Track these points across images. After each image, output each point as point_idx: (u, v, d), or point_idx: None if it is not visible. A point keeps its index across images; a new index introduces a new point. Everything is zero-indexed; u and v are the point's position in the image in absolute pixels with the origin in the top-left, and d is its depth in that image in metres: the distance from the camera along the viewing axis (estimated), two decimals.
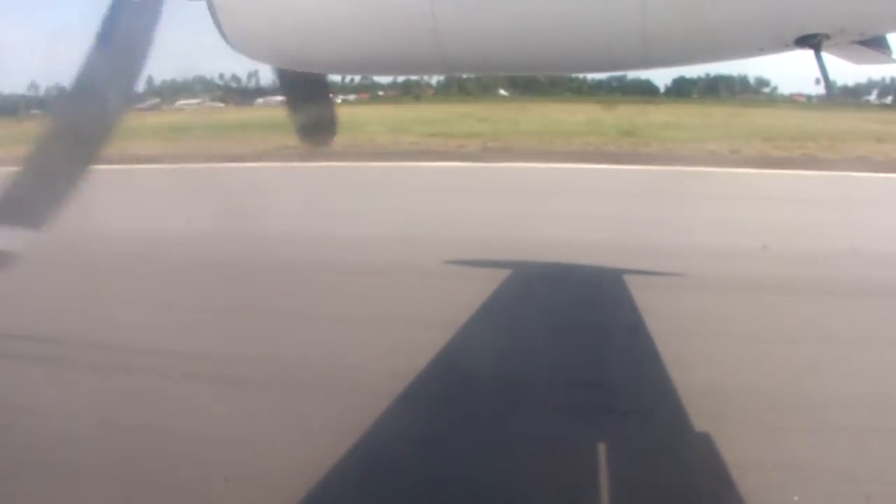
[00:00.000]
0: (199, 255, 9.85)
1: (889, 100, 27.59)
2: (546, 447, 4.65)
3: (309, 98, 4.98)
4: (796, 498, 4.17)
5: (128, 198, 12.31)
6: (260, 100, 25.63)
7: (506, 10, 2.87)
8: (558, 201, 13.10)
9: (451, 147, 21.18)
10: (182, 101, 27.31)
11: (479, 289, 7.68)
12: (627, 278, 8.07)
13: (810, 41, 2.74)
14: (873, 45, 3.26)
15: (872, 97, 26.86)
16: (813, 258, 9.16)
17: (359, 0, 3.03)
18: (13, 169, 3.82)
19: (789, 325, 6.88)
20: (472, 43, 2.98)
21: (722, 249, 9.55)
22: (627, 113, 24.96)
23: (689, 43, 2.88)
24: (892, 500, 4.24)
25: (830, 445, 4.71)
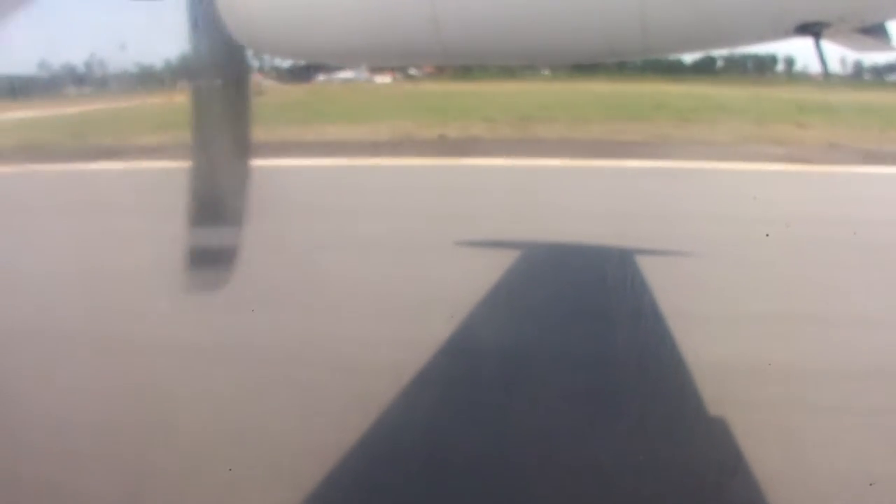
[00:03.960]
0: None
1: None
2: None
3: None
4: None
5: None
6: (320, 76, 23.84)
7: None
8: None
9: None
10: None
11: None
12: None
13: (810, 29, 2.74)
14: (873, 32, 3.26)
15: None
16: None
17: None
18: None
19: None
20: (471, 32, 2.98)
21: None
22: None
23: (688, 30, 2.89)
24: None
25: None
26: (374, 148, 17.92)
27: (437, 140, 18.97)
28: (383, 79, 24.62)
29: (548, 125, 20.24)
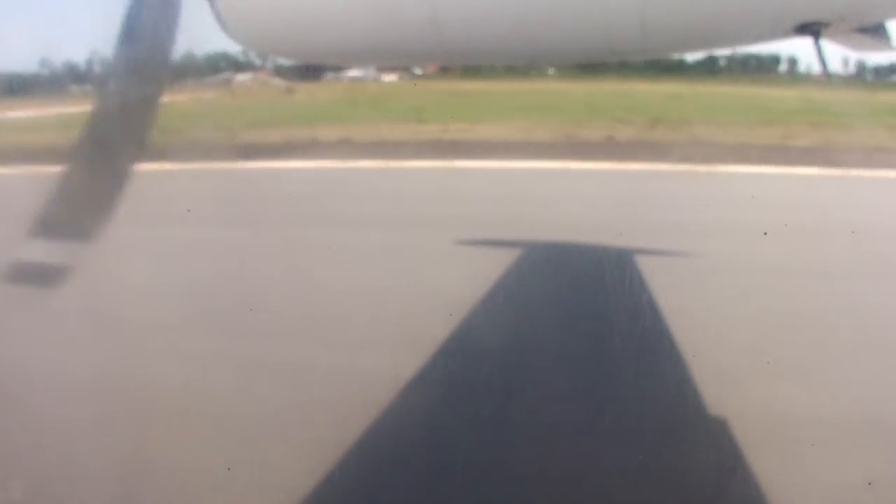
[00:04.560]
0: None
1: None
2: None
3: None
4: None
5: None
6: (331, 74, 22.86)
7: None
8: None
9: None
10: (240, 76, 25.17)
11: None
12: None
13: (810, 29, 2.74)
14: (872, 32, 3.26)
15: None
16: None
17: None
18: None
19: None
20: (471, 33, 2.98)
21: None
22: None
23: (687, 30, 2.89)
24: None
25: None
26: (543, 150, 16.92)
27: (606, 141, 17.54)
28: (390, 77, 24.36)
29: (689, 127, 18.70)
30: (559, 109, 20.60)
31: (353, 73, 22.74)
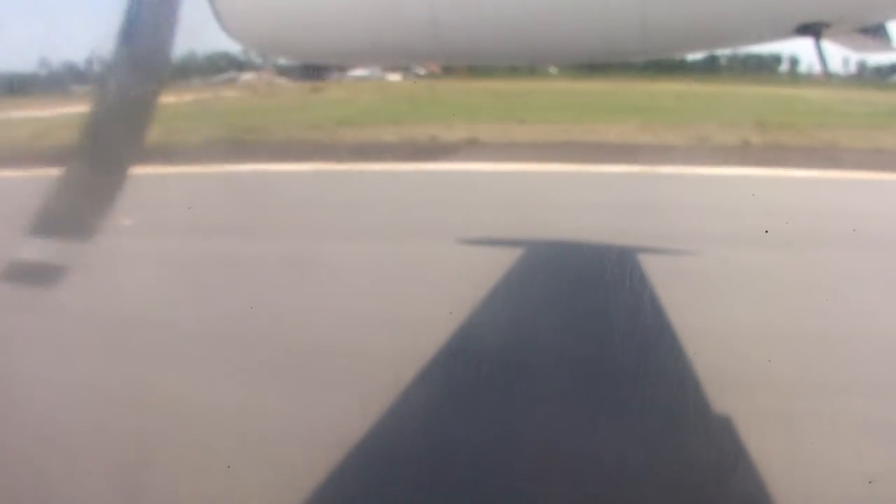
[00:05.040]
0: None
1: None
2: None
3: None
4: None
5: None
6: (335, 74, 22.18)
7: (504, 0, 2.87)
8: None
9: None
10: (245, 75, 24.80)
11: None
12: None
13: (811, 29, 2.74)
14: (873, 33, 3.26)
15: None
16: None
17: None
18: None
19: None
20: (471, 33, 2.98)
21: None
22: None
23: (688, 31, 2.88)
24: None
25: None
26: (681, 153, 15.74)
27: (742, 146, 16.48)
28: (394, 76, 24.05)
29: (798, 132, 17.80)
30: (672, 111, 19.54)
31: (359, 72, 22.46)
